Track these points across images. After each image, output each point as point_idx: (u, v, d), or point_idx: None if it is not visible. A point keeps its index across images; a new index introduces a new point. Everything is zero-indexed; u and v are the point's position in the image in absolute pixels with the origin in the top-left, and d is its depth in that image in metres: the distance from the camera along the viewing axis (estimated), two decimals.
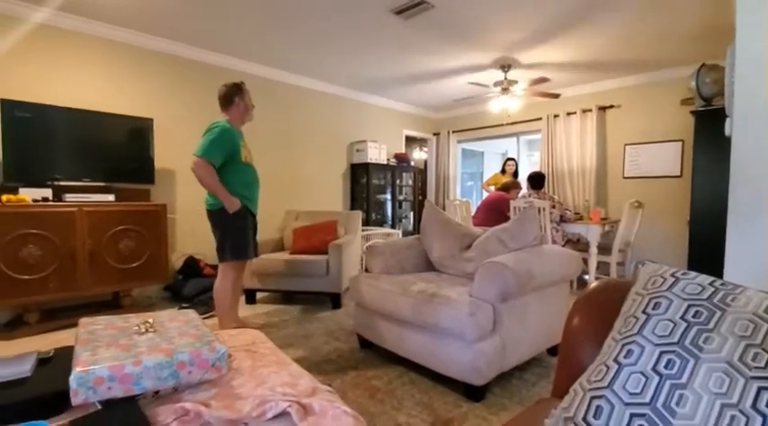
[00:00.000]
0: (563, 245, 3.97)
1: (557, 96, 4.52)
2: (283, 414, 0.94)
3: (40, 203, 2.75)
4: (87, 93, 3.34)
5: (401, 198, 6.11)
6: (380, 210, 5.81)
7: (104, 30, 3.38)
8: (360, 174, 5.48)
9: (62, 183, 2.97)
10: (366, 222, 5.28)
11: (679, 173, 4.36)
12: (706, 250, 3.47)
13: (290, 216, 4.10)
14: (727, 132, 2.07)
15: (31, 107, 2.86)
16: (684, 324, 0.65)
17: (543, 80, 4.19)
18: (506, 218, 4.33)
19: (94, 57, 3.39)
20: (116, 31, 3.43)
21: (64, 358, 1.11)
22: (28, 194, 2.74)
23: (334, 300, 3.40)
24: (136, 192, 3.37)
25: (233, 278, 2.55)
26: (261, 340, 1.47)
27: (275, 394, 1.01)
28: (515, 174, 5.64)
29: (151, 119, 3.44)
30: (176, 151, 3.81)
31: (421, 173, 6.97)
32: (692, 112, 3.67)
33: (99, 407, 0.94)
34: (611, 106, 4.84)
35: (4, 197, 2.64)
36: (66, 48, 3.24)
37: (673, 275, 0.75)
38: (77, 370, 0.92)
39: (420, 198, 6.52)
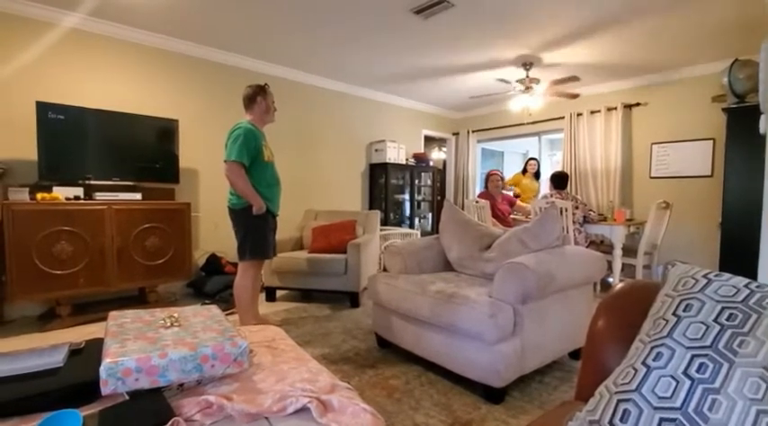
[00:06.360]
0: (586, 247, 3.87)
1: (576, 96, 4.44)
2: (303, 410, 0.95)
3: (72, 201, 2.86)
4: (117, 95, 3.46)
5: (420, 198, 6.09)
6: (399, 210, 5.81)
7: (133, 34, 3.50)
8: (378, 174, 5.49)
9: (93, 182, 3.09)
10: (384, 222, 5.28)
11: (710, 173, 4.19)
12: (738, 253, 3.32)
13: (309, 215, 4.14)
14: (761, 130, 1.98)
15: (65, 109, 2.98)
16: (718, 327, 0.63)
17: (573, 79, 4.10)
18: (502, 210, 4.67)
19: (123, 60, 3.51)
20: (144, 35, 3.54)
21: (94, 349, 1.16)
22: (61, 192, 2.86)
23: (353, 299, 3.41)
24: (161, 191, 3.47)
25: (252, 276, 2.59)
26: (281, 336, 1.49)
27: (295, 390, 1.02)
28: (537, 174, 5.55)
29: (176, 120, 3.54)
30: (200, 151, 3.91)
31: (440, 173, 6.93)
32: (724, 110, 3.52)
33: (127, 398, 0.97)
34: (638, 104, 4.70)
35: (39, 195, 2.76)
36: (96, 51, 3.37)
37: (705, 276, 0.72)
38: (107, 361, 0.95)
39: (439, 198, 6.48)
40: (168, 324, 1.21)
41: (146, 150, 3.37)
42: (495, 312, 1.76)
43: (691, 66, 4.25)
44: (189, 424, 0.88)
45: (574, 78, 4.23)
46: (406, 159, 5.73)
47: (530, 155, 6.49)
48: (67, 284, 2.81)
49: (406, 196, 5.85)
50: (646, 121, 4.67)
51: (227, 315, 1.53)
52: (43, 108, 2.88)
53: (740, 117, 3.33)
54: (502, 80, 4.36)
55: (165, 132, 3.47)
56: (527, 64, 4.17)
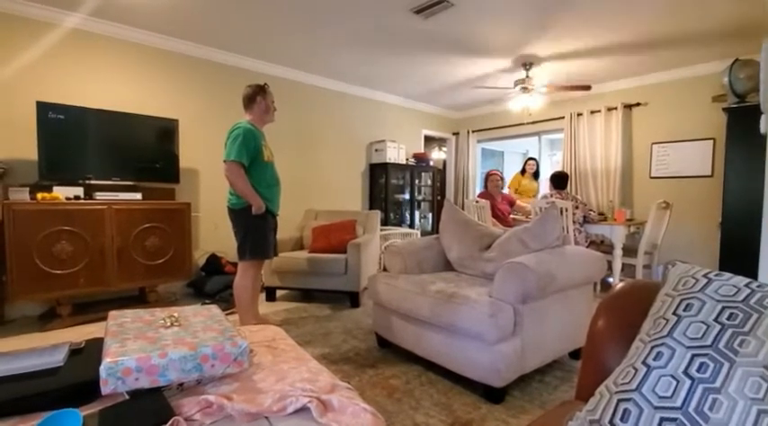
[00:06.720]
0: (586, 247, 3.88)
1: (588, 88, 4.33)
2: (303, 409, 0.95)
3: (73, 201, 2.86)
4: (117, 95, 3.46)
5: (420, 198, 6.09)
6: (399, 210, 5.81)
7: (134, 34, 3.50)
8: (379, 174, 5.49)
9: (93, 182, 3.09)
10: (385, 222, 5.28)
11: (710, 173, 4.19)
12: (738, 253, 3.32)
13: (309, 215, 4.14)
14: (762, 129, 1.98)
15: (65, 109, 2.98)
16: (718, 327, 0.63)
17: (584, 88, 4.09)
18: (502, 210, 4.71)
19: (124, 60, 3.51)
20: (144, 35, 3.54)
21: (94, 349, 1.16)
22: (61, 192, 2.86)
23: (353, 299, 3.41)
24: (161, 191, 3.47)
25: (252, 275, 2.59)
26: (281, 336, 1.49)
27: (295, 390, 1.02)
28: (536, 174, 5.54)
29: (176, 120, 3.54)
30: (200, 151, 3.91)
31: (440, 173, 6.93)
32: (724, 109, 3.52)
33: (127, 397, 0.97)
34: (638, 104, 4.69)
35: (39, 195, 2.76)
36: (97, 51, 3.37)
37: (705, 276, 0.72)
38: (107, 361, 0.95)
39: (439, 198, 6.48)
40: (168, 324, 1.21)
41: (146, 150, 3.37)
42: (496, 312, 1.76)
43: (691, 66, 4.25)
44: (189, 424, 0.88)
45: (585, 87, 4.20)
46: (407, 159, 5.73)
47: (529, 155, 6.49)
48: (68, 284, 2.81)
49: (407, 196, 5.85)
50: (646, 121, 4.67)
51: (227, 314, 1.53)
52: (43, 108, 2.88)
53: (740, 117, 3.33)
54: (494, 88, 4.33)
55: (166, 132, 3.47)
56: (527, 64, 4.17)
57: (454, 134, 6.81)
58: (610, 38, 3.57)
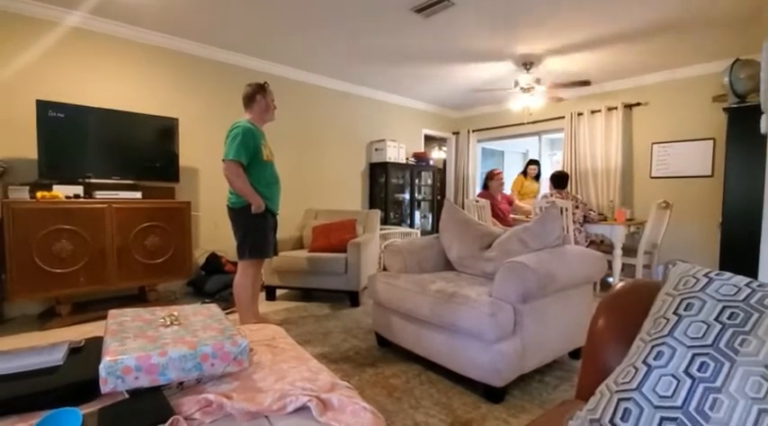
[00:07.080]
0: (586, 246, 3.87)
1: (587, 83, 4.37)
2: (303, 408, 0.95)
3: (72, 200, 2.86)
4: (117, 94, 3.45)
5: (420, 197, 6.09)
6: (399, 210, 5.80)
7: (134, 32, 3.49)
8: (379, 174, 5.49)
9: (93, 181, 3.08)
10: (384, 221, 5.28)
11: (710, 173, 4.19)
12: (739, 253, 3.32)
13: (309, 214, 4.14)
14: (762, 130, 1.98)
15: (65, 107, 2.97)
16: (719, 326, 0.63)
17: (584, 83, 4.11)
18: (502, 209, 4.71)
19: (124, 58, 3.50)
20: (145, 33, 3.54)
21: (94, 347, 1.15)
22: (61, 191, 2.86)
23: (353, 298, 3.41)
24: (161, 190, 3.47)
25: (252, 275, 2.59)
26: (281, 335, 1.49)
27: (295, 389, 1.02)
28: (538, 177, 5.52)
29: (176, 119, 3.53)
30: (200, 150, 3.91)
31: (440, 173, 6.93)
32: (724, 109, 3.52)
33: (126, 396, 0.97)
34: (638, 104, 4.69)
35: (39, 193, 2.76)
36: (97, 50, 3.37)
37: (706, 275, 0.72)
38: (107, 359, 0.95)
39: (439, 197, 6.48)
40: (168, 323, 1.21)
41: (146, 149, 3.36)
42: (496, 311, 1.76)
43: (691, 66, 4.24)
44: (188, 423, 0.88)
45: (585, 82, 4.20)
46: (407, 158, 5.73)
47: (530, 155, 6.48)
48: (67, 283, 2.81)
49: (407, 195, 5.85)
50: (646, 121, 4.67)
51: (227, 313, 1.53)
52: (43, 106, 2.88)
53: (741, 117, 3.33)
54: (495, 89, 4.35)
55: (165, 131, 3.47)
56: (527, 63, 4.17)
57: (454, 133, 6.81)
58: (611, 39, 3.56)
